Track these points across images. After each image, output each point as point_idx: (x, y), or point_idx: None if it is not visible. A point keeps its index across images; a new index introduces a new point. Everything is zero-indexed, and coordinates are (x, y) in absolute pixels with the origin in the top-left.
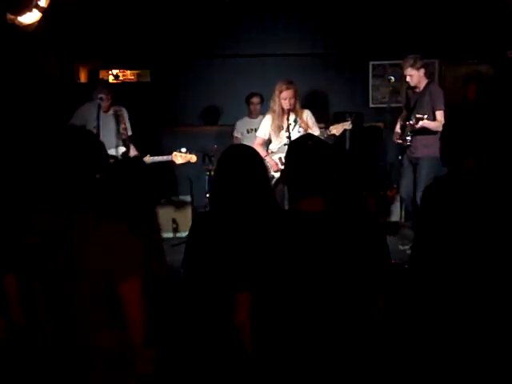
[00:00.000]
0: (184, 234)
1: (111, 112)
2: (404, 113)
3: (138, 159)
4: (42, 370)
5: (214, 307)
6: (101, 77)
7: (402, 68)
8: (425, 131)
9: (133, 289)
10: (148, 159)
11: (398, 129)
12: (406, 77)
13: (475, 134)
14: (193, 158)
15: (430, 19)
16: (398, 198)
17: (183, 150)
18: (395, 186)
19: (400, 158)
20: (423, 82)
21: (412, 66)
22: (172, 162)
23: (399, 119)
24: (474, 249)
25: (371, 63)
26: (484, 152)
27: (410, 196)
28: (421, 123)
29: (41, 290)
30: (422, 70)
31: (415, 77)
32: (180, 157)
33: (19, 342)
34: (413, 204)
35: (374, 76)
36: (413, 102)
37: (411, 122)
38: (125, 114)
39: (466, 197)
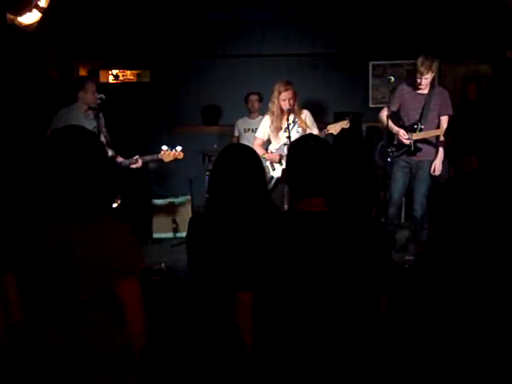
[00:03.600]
0: (184, 234)
1: (92, 115)
2: (410, 114)
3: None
4: (41, 371)
5: (215, 306)
6: (101, 76)
7: (417, 71)
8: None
9: (132, 289)
10: (135, 162)
11: (403, 132)
12: (420, 79)
13: (478, 133)
14: (180, 155)
15: (430, 19)
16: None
17: (164, 147)
18: None
19: (389, 160)
20: (429, 85)
21: (431, 69)
22: (161, 161)
23: (394, 120)
24: (484, 247)
25: (371, 63)
26: (487, 151)
27: (401, 198)
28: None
29: (41, 290)
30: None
31: (429, 80)
32: (169, 154)
33: (19, 342)
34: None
35: (374, 76)
36: (420, 104)
37: (422, 127)
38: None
39: (475, 196)
